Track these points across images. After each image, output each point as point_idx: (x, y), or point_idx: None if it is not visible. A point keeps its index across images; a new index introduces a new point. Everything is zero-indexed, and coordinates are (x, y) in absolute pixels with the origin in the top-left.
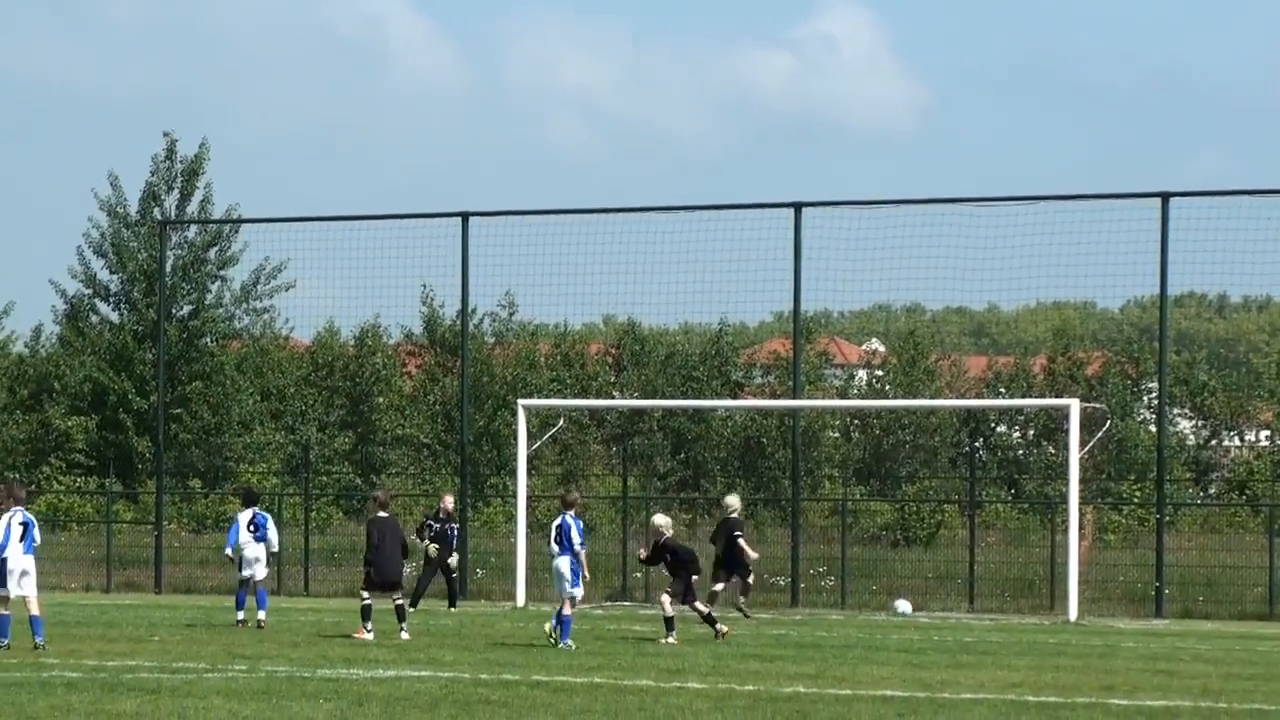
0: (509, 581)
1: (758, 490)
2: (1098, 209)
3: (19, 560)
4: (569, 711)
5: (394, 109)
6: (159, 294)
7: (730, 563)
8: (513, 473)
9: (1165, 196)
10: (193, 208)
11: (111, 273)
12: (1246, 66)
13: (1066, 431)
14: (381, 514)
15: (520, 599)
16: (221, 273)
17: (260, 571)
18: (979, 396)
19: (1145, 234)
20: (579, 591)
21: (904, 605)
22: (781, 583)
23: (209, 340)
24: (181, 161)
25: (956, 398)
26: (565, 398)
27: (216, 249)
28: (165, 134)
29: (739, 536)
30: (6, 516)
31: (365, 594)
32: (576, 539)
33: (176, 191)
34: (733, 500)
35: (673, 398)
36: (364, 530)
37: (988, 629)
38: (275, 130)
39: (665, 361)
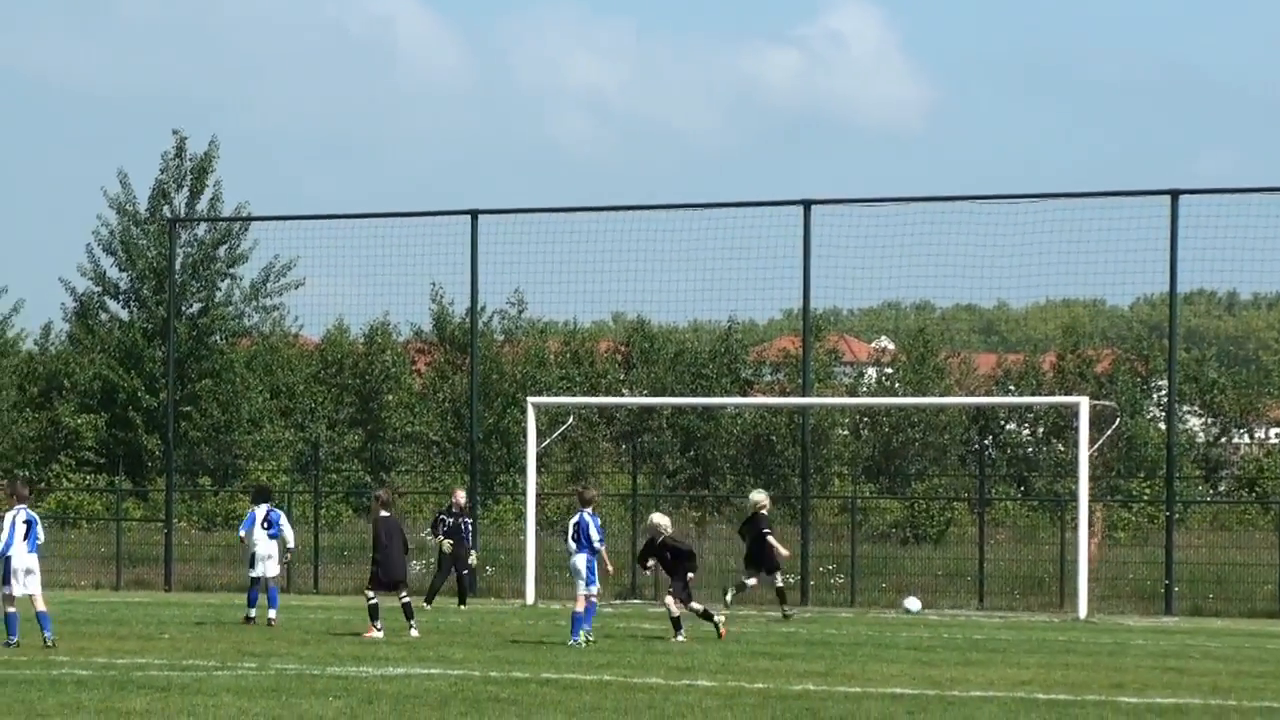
0: (519, 579)
1: (767, 488)
2: (1107, 206)
3: (23, 559)
4: (579, 709)
5: (403, 107)
6: (168, 292)
7: (759, 559)
8: (522, 470)
9: (1175, 194)
10: (202, 205)
11: (121, 270)
12: (1256, 63)
13: (1076, 429)
14: (384, 513)
15: (530, 597)
16: (231, 270)
17: (273, 569)
18: (988, 394)
19: (1155, 231)
20: (594, 590)
21: (913, 603)
22: (791, 580)
23: (218, 338)
24: (191, 159)
25: (966, 395)
26: (574, 395)
27: (226, 247)
28: (175, 132)
29: (768, 534)
30: (10, 515)
31: (371, 593)
32: (595, 536)
33: (186, 189)
34: (760, 496)
35: (682, 395)
36: (375, 525)
37: (997, 626)
38: (285, 128)
39: (674, 359)
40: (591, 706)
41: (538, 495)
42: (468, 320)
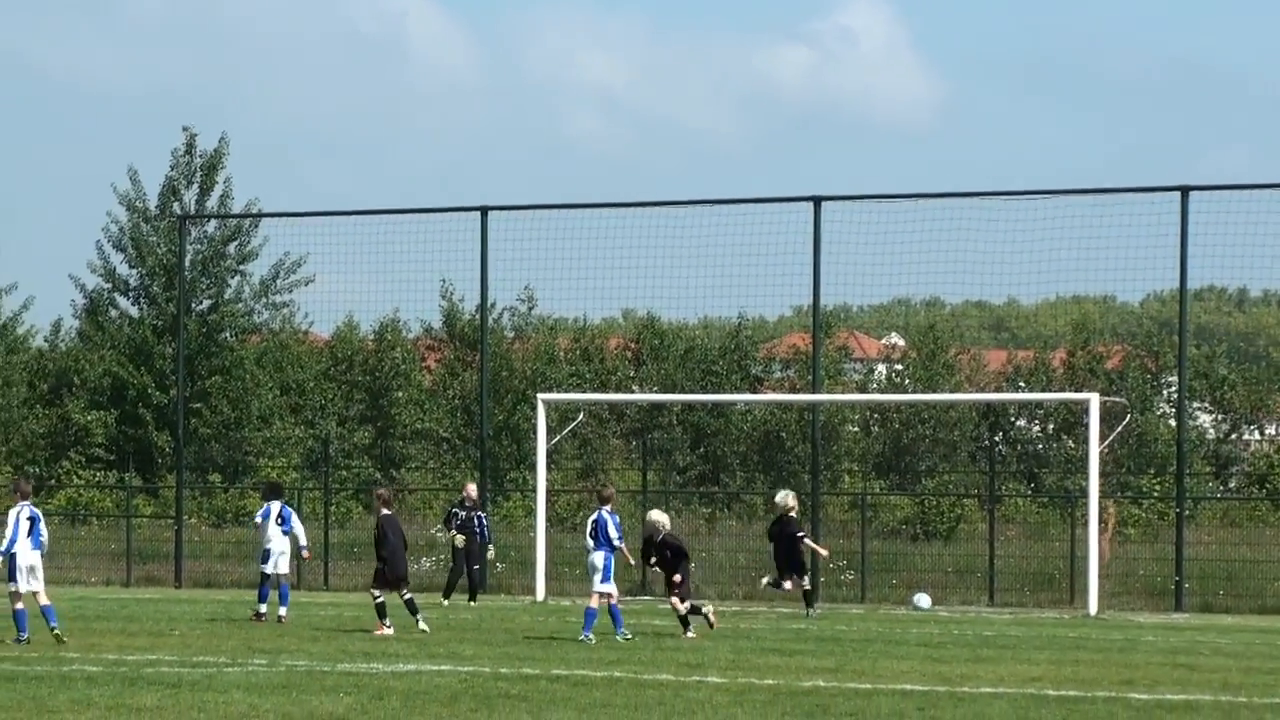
0: (529, 575)
1: (777, 484)
2: (1117, 203)
3: (28, 555)
4: (589, 705)
5: (413, 104)
6: (178, 288)
7: (793, 562)
8: (532, 467)
9: (1185, 190)
10: (212, 202)
11: (131, 267)
12: (1266, 60)
13: (1086, 425)
14: (385, 510)
15: (540, 593)
16: (241, 267)
17: (284, 565)
18: (998, 390)
19: (1165, 228)
20: (610, 587)
21: (923, 599)
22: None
23: (228, 335)
24: (201, 156)
25: (976, 392)
26: (584, 392)
27: (236, 243)
28: (185, 128)
29: (803, 537)
30: (14, 512)
31: (377, 592)
32: (614, 534)
33: (196, 186)
34: (789, 499)
35: (692, 392)
36: (380, 524)
37: (1007, 623)
38: (295, 125)
39: (684, 356)
40: (602, 703)
41: (548, 492)
42: (478, 317)
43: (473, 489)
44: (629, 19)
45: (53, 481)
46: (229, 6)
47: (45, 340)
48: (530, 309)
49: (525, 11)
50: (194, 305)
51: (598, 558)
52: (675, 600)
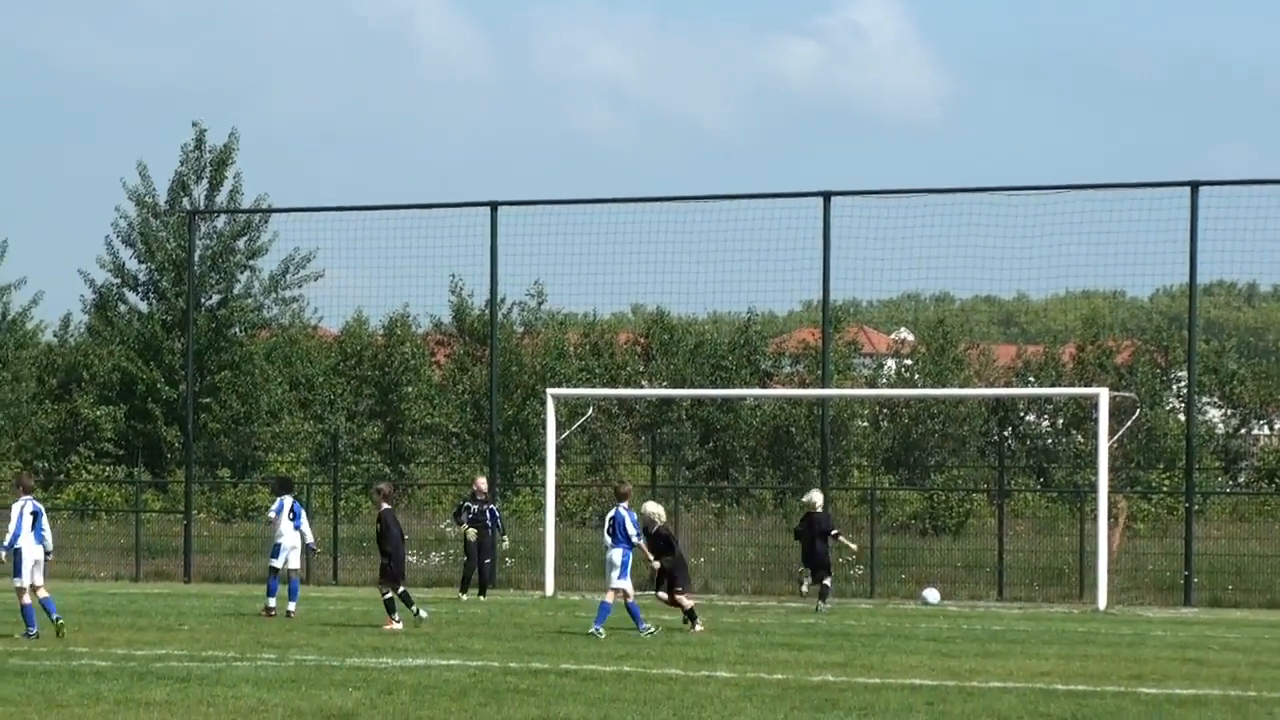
0: (538, 570)
1: (786, 479)
2: (1127, 198)
3: (33, 550)
4: (598, 700)
5: (422, 99)
6: (188, 284)
7: (822, 558)
8: (541, 462)
9: (1194, 185)
10: (221, 197)
11: (140, 262)
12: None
13: (1095, 420)
14: (386, 505)
15: (549, 588)
16: (250, 262)
17: (295, 560)
18: (1008, 385)
19: (1174, 223)
20: (626, 584)
21: (932, 594)
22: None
23: (238, 330)
24: (210, 151)
25: (985, 387)
26: (594, 387)
27: (245, 239)
28: (194, 124)
29: (838, 535)
30: (17, 506)
31: (386, 589)
32: (631, 530)
33: (205, 181)
34: (818, 497)
35: (701, 387)
36: (382, 518)
37: (1016, 618)
38: (304, 120)
39: (694, 351)
40: (611, 698)
41: (557, 487)
42: (487, 312)
43: (483, 483)
44: (637, 14)
45: (62, 476)
46: (238, 2)
47: (54, 335)
48: (540, 304)
49: (534, 6)
50: (203, 300)
51: (615, 554)
52: (680, 597)
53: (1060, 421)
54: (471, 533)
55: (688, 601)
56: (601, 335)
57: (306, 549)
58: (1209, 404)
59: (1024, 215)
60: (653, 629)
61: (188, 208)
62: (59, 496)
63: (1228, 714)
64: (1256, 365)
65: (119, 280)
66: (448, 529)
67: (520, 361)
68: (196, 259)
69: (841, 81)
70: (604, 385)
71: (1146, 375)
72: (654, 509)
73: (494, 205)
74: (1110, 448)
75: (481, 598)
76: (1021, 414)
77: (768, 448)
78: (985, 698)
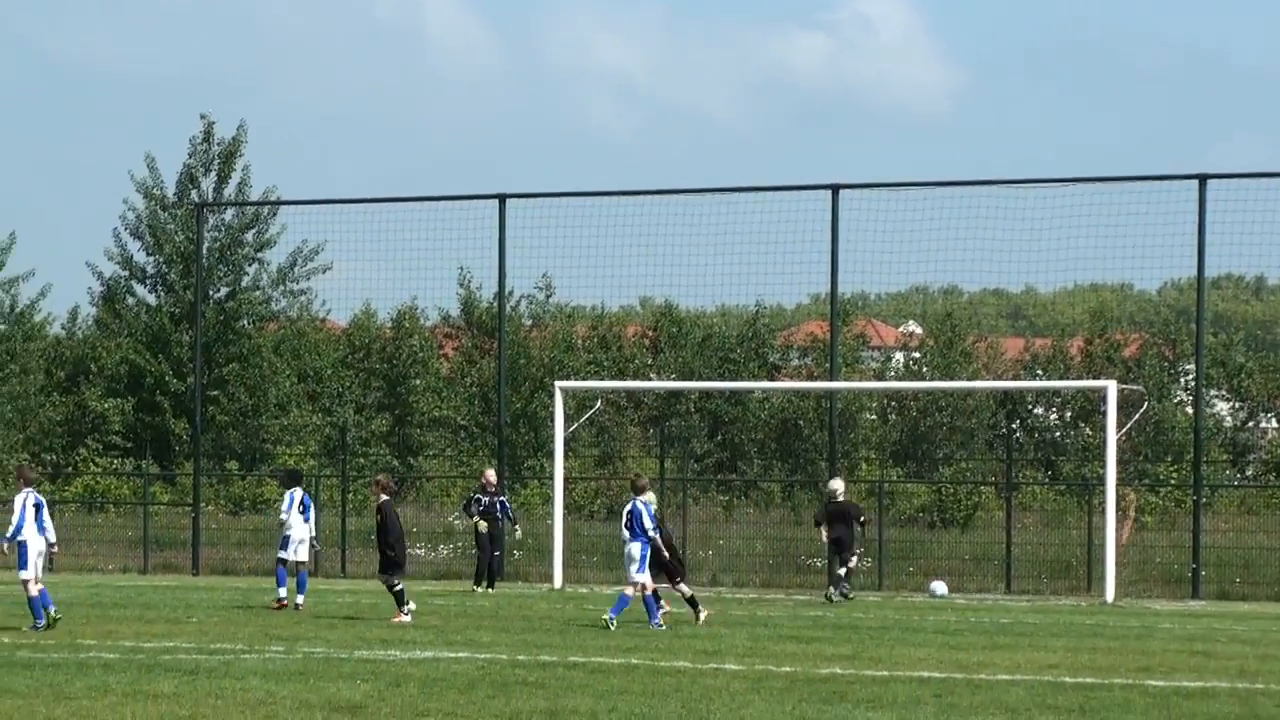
0: (546, 563)
1: (794, 472)
2: (1135, 191)
3: (37, 541)
4: (606, 692)
5: (430, 91)
6: (196, 276)
7: (849, 544)
8: (550, 454)
9: (1203, 178)
10: (230, 190)
11: (148, 255)
12: None
13: (1103, 413)
14: (385, 496)
15: (557, 580)
16: (258, 255)
17: (304, 553)
18: (1016, 378)
19: (1183, 216)
20: (645, 578)
21: (940, 586)
22: (818, 564)
23: (246, 322)
24: (219, 144)
25: (993, 379)
26: (602, 380)
27: (253, 231)
28: (202, 116)
29: (866, 522)
30: (20, 498)
31: (396, 581)
32: (648, 524)
33: (214, 174)
34: (840, 485)
35: (709, 380)
36: (382, 510)
37: (1024, 610)
38: (312, 112)
39: (702, 343)
40: (619, 690)
41: (565, 479)
42: (495, 304)
43: (492, 475)
44: (645, 7)
45: (70, 469)
46: None
47: (63, 328)
48: (548, 297)
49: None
50: (211, 293)
51: (634, 548)
52: (681, 587)
53: (1068, 414)
54: (483, 525)
55: (687, 590)
56: (609, 328)
57: (312, 541)
58: (1217, 397)
59: (1032, 208)
60: (663, 625)
61: (196, 200)
62: (67, 489)
63: (1235, 706)
64: (1264, 358)
65: (127, 273)
66: (455, 521)
67: (528, 354)
68: (205, 251)
69: (850, 74)
70: (612, 378)
71: (1154, 368)
72: (646, 497)
73: (502, 198)
74: (1118, 440)
75: (490, 590)
76: (1029, 407)
77: (776, 440)
78: (993, 690)
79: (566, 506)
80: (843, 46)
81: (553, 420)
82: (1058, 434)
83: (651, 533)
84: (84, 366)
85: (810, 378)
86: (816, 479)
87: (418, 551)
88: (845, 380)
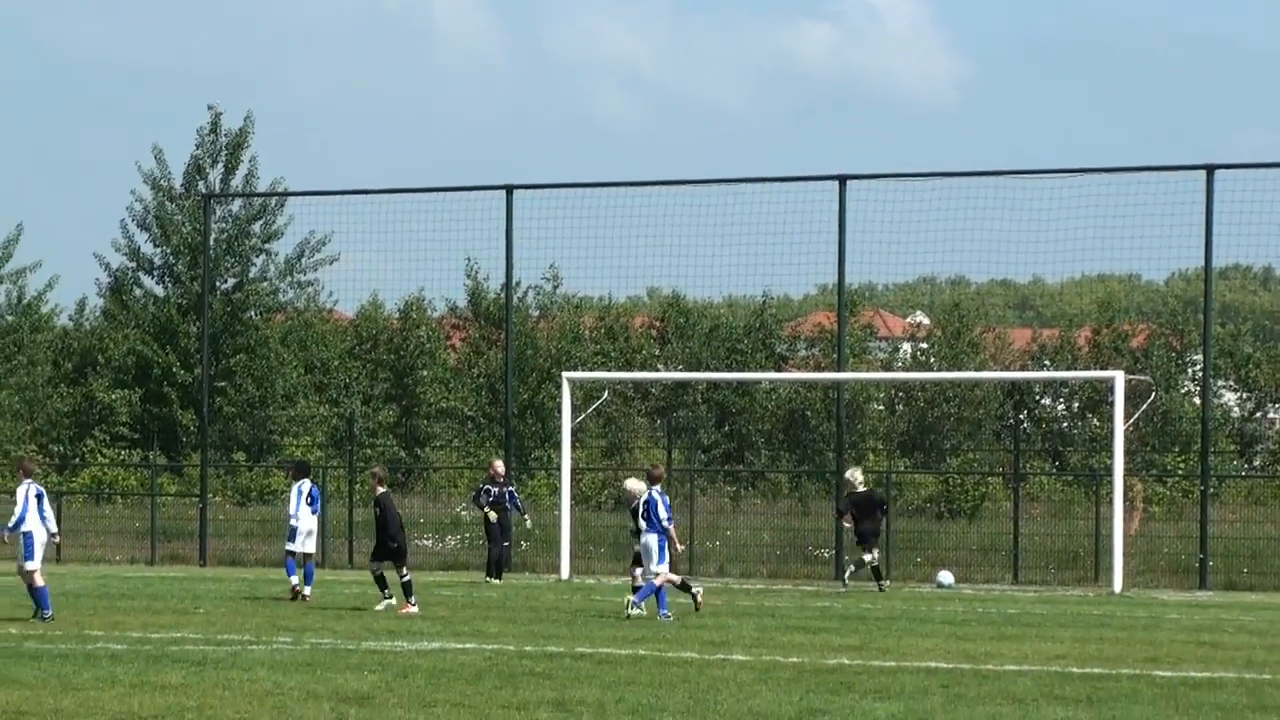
0: (553, 554)
1: (802, 463)
2: (1143, 181)
3: (41, 532)
4: (613, 683)
5: (438, 82)
6: (203, 267)
7: (874, 533)
8: (557, 445)
9: (1210, 169)
10: (237, 181)
11: (156, 246)
12: None
13: (1111, 404)
14: (382, 489)
15: (565, 571)
16: (266, 246)
17: (311, 544)
18: (1023, 369)
19: (1190, 206)
20: (666, 568)
21: (946, 577)
22: (826, 555)
23: (253, 313)
24: (226, 135)
25: (1001, 370)
26: (609, 370)
27: (261, 222)
28: (210, 107)
29: (887, 508)
30: (21, 490)
31: (405, 570)
32: (663, 514)
33: (221, 165)
34: (859, 474)
35: (717, 370)
36: (381, 502)
37: (1032, 601)
38: (320, 103)
39: (709, 334)
40: (626, 681)
41: (572, 470)
42: (503, 295)
43: (500, 465)
44: None
45: (77, 460)
46: None
47: (70, 319)
48: (555, 287)
49: None
50: (219, 284)
51: (652, 540)
52: (672, 576)
53: (1076, 405)
54: (493, 515)
55: (676, 577)
56: (617, 319)
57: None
58: (1224, 387)
59: (1039, 199)
60: (671, 615)
61: (203, 191)
62: (74, 480)
63: (1242, 696)
64: (1272, 349)
65: (134, 264)
66: (463, 512)
67: (535, 345)
68: (212, 242)
69: (857, 64)
70: (619, 369)
71: (1162, 359)
72: (635, 486)
73: (509, 189)
74: (1126, 431)
75: (497, 581)
76: (1037, 397)
77: (783, 431)
78: (1001, 680)
79: (574, 497)
80: (849, 37)
81: (560, 411)
82: (1065, 424)
83: (665, 523)
84: (91, 358)
85: (817, 368)
86: (824, 469)
87: (425, 543)
88: (853, 371)
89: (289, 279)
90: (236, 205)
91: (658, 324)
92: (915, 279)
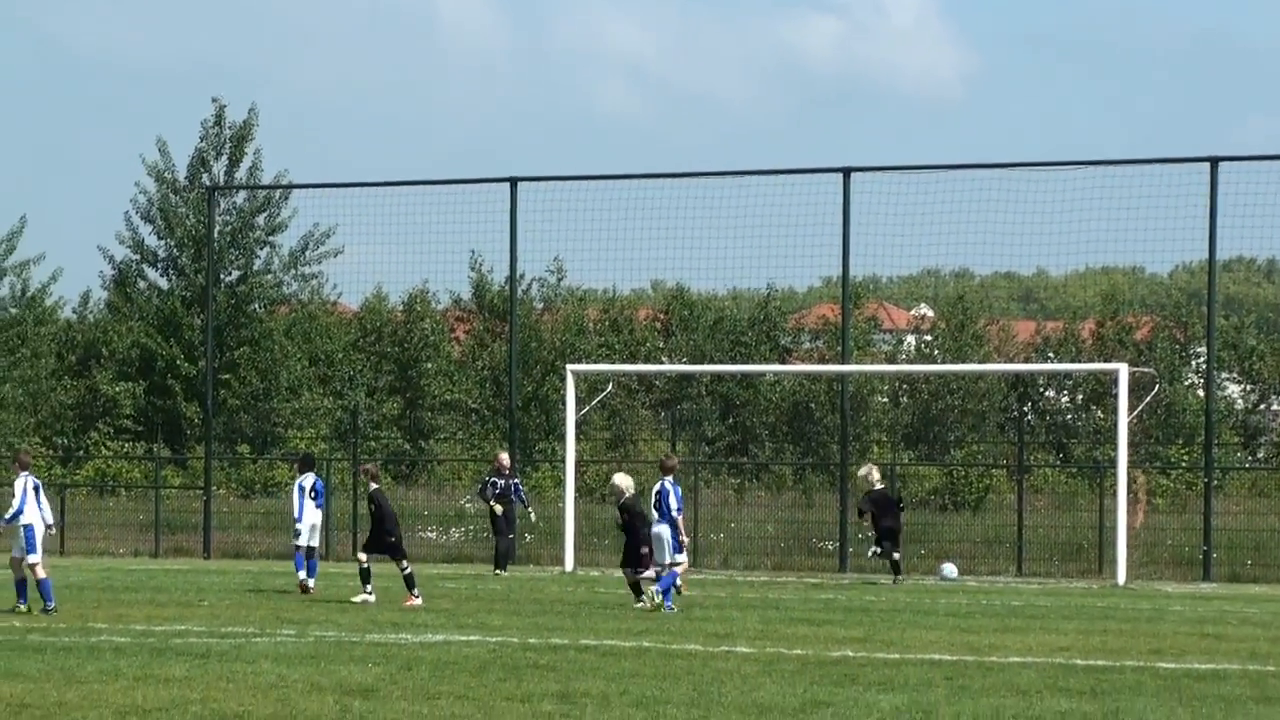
0: (557, 546)
1: (806, 455)
2: (1146, 173)
3: (39, 524)
4: (617, 675)
5: (443, 75)
6: (207, 260)
7: (894, 531)
8: (561, 438)
9: (1214, 161)
10: (241, 174)
11: (160, 239)
12: None
13: (1115, 396)
14: (375, 484)
15: (569, 563)
16: (270, 238)
17: (315, 538)
18: (1027, 361)
19: (1194, 199)
20: (681, 558)
21: (950, 569)
22: (830, 547)
23: (257, 306)
24: (230, 127)
25: (1005, 362)
26: (613, 363)
27: (265, 215)
28: (214, 100)
29: (903, 505)
30: (20, 482)
31: (405, 563)
32: (674, 505)
33: (225, 157)
34: (875, 471)
35: (721, 363)
36: (376, 498)
37: (1036, 593)
38: (324, 96)
39: (713, 327)
40: (630, 673)
41: (577, 462)
42: (507, 288)
43: (506, 458)
44: None
45: (81, 453)
46: None
47: (74, 312)
48: (559, 280)
49: None
50: (223, 276)
51: (664, 530)
52: (648, 572)
53: (1079, 397)
54: (498, 508)
55: (650, 573)
56: (621, 311)
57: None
58: (1228, 379)
59: (1044, 191)
60: (675, 608)
61: (207, 184)
62: (78, 473)
63: (1246, 688)
64: (1276, 341)
65: (139, 256)
66: (468, 505)
67: (540, 337)
68: (216, 235)
69: (862, 57)
70: (623, 361)
71: (1166, 351)
72: (623, 481)
73: (514, 181)
74: (1130, 423)
75: (501, 573)
76: (1041, 390)
77: (787, 424)
78: (1004, 672)
79: (578, 489)
80: (855, 29)
81: (564, 403)
82: (1069, 417)
83: (675, 513)
84: (95, 350)
85: (822, 361)
86: (828, 462)
87: (429, 535)
88: (857, 363)
89: (293, 272)
90: (240, 198)
91: (662, 316)
92: (919, 271)
